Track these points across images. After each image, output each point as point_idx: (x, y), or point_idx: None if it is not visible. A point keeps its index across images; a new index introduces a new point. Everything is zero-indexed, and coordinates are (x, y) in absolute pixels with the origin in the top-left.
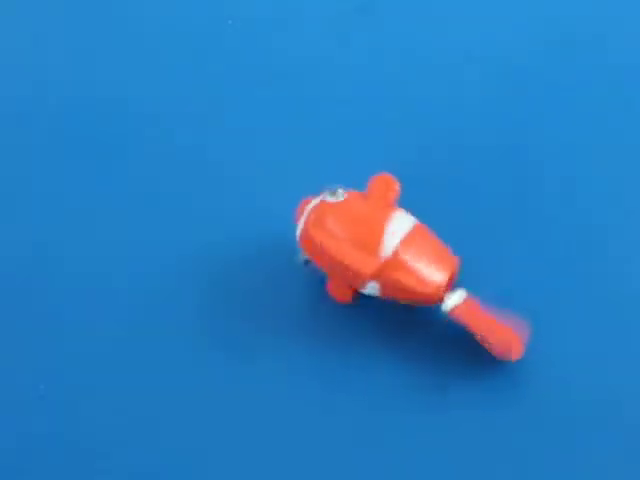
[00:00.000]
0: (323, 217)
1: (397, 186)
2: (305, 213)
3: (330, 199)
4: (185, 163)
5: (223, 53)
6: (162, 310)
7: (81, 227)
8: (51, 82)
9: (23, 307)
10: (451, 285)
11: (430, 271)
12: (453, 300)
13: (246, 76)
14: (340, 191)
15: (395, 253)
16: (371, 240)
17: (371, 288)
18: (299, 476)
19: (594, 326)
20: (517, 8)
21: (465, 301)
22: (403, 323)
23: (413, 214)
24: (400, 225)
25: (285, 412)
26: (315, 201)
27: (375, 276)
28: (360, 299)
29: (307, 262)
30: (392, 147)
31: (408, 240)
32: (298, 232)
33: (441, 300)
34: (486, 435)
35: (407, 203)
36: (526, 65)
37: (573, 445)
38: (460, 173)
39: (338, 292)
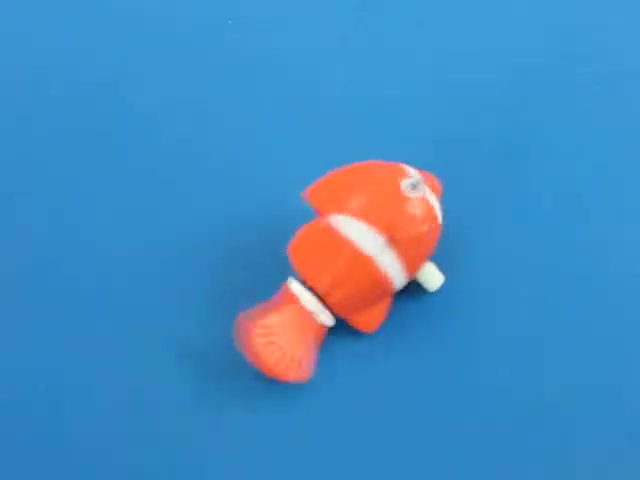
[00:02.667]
0: None
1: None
2: None
3: (407, 190)
4: (185, 163)
5: (223, 53)
6: (163, 308)
7: (79, 224)
8: (51, 83)
9: (23, 307)
10: None
11: None
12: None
13: (246, 76)
14: (420, 189)
15: None
16: None
17: None
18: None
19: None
20: (519, 7)
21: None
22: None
23: None
24: None
25: (287, 404)
26: None
27: None
28: None
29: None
30: (391, 146)
31: None
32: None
33: None
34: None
35: None
36: (527, 65)
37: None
38: (458, 171)
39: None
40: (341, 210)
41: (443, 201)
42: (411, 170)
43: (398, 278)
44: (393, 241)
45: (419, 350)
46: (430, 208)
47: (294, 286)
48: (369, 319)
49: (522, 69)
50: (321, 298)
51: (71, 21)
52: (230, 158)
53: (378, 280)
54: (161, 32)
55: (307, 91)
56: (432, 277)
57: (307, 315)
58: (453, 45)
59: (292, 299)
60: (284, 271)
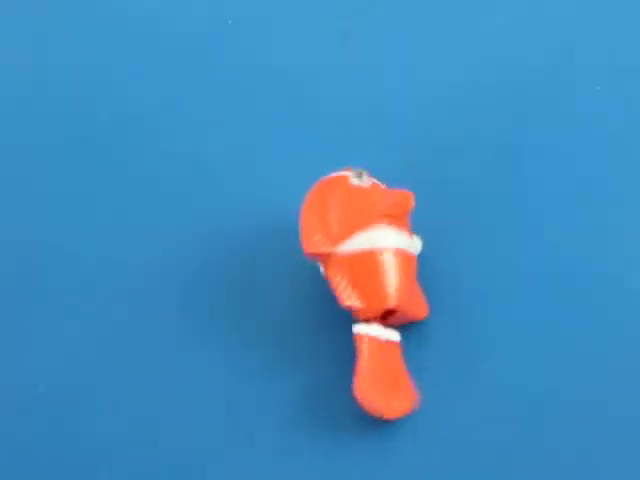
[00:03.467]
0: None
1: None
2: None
3: (356, 182)
4: (183, 164)
5: (223, 53)
6: (163, 309)
7: (80, 226)
8: (51, 82)
9: (23, 307)
10: None
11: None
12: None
13: (246, 76)
14: (365, 177)
15: None
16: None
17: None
18: None
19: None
20: (519, 9)
21: None
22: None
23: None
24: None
25: (276, 413)
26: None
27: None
28: None
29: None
30: (391, 147)
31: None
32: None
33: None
34: None
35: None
36: (527, 66)
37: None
38: (456, 174)
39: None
40: (337, 240)
41: (444, 203)
42: (343, 172)
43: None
44: (396, 222)
45: (418, 351)
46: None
47: (358, 329)
48: (419, 304)
49: (522, 69)
50: (382, 320)
51: (68, 20)
52: (228, 158)
53: (414, 262)
54: (161, 32)
55: (307, 91)
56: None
57: (383, 345)
58: (452, 48)
59: (363, 341)
60: (285, 275)
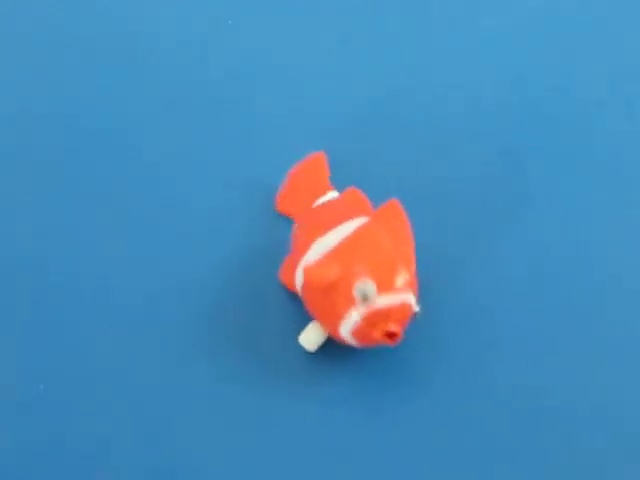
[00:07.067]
0: None
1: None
2: None
3: (366, 303)
4: (181, 163)
5: (223, 53)
6: (163, 309)
7: (82, 235)
8: (52, 82)
9: (23, 308)
10: None
11: None
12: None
13: (245, 76)
14: (370, 287)
15: None
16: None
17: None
18: None
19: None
20: (518, 8)
21: None
22: None
23: None
24: None
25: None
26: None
27: None
28: None
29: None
30: (391, 147)
31: None
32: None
33: None
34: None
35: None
36: (527, 65)
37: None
38: (456, 176)
39: None
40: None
41: (444, 204)
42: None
43: None
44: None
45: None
46: None
47: None
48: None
49: (522, 70)
50: None
51: (71, 17)
52: (228, 161)
53: None
54: (161, 33)
55: (307, 91)
56: None
57: None
58: (452, 48)
59: None
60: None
